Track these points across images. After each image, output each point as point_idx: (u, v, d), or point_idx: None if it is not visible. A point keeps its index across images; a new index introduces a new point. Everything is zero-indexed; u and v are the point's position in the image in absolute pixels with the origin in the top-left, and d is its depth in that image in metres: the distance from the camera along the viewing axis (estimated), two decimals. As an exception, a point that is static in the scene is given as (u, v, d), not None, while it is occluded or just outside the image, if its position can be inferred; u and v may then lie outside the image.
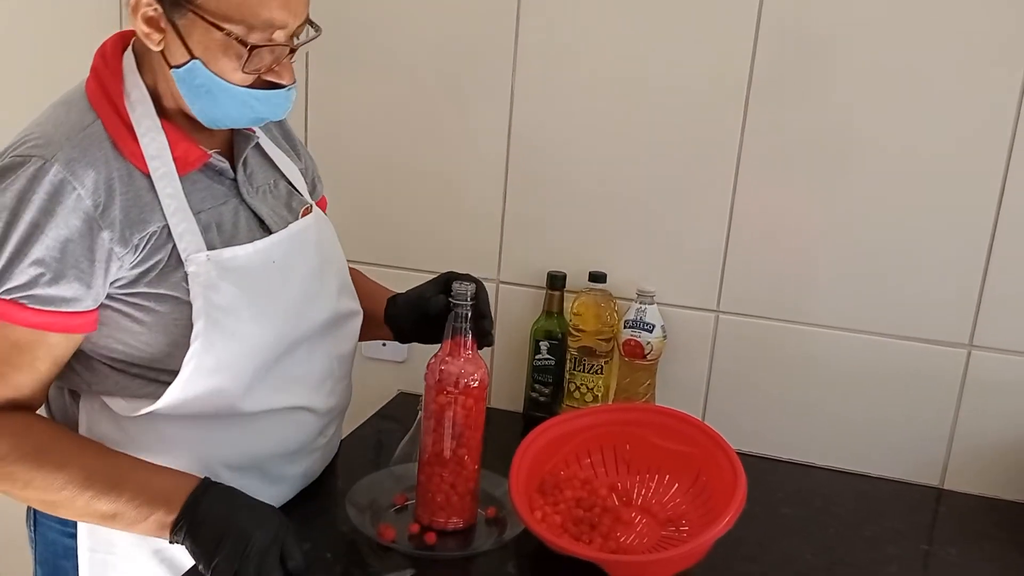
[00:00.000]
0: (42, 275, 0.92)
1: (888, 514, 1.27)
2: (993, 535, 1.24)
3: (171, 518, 0.95)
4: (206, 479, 0.98)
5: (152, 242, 0.97)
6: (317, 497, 1.16)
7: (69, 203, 0.92)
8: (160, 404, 0.99)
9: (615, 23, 1.39)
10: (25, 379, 0.97)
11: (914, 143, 1.30)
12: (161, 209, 0.98)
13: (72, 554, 1.07)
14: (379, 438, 1.42)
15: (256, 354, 1.03)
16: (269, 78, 0.99)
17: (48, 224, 0.92)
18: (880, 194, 1.32)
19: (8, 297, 0.92)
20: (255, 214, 1.07)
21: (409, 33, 1.47)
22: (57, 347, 0.96)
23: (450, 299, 1.08)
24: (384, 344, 1.54)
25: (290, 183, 1.15)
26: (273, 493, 1.09)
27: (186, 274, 0.98)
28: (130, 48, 1.02)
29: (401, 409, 1.53)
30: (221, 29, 0.93)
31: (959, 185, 1.29)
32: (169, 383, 0.99)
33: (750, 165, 1.37)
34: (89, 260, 0.94)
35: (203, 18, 0.93)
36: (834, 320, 1.37)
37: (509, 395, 1.52)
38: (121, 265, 0.96)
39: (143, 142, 0.98)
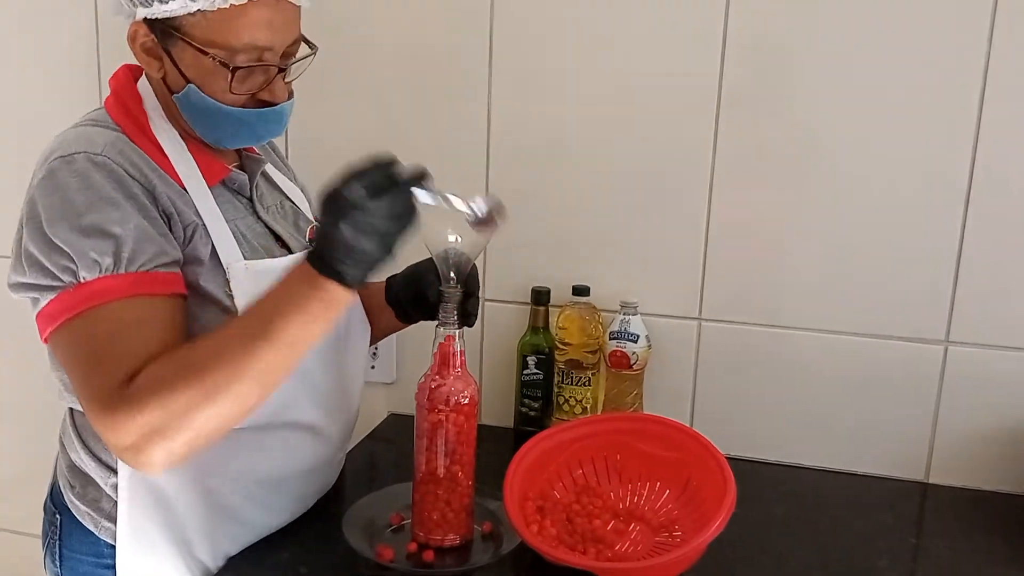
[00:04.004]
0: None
1: (876, 510, 1.29)
2: (978, 525, 1.26)
3: (326, 282, 0.88)
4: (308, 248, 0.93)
5: (195, 235, 0.99)
6: (314, 521, 1.17)
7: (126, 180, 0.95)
8: None
9: (586, 40, 1.41)
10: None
11: (882, 146, 1.33)
12: (197, 212, 1.00)
13: None
14: (372, 460, 1.42)
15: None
16: (263, 97, 1.02)
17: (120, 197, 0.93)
18: (852, 197, 1.35)
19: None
20: (272, 232, 1.10)
21: (385, 51, 1.49)
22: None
23: (439, 290, 1.08)
24: (373, 367, 1.56)
25: (294, 203, 1.19)
26: (291, 511, 1.14)
27: (227, 280, 1.00)
28: (144, 77, 1.06)
29: (393, 430, 1.54)
30: (206, 54, 0.96)
31: (928, 186, 1.32)
32: None
33: (724, 174, 1.40)
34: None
35: (191, 44, 0.96)
36: (814, 322, 1.40)
37: (499, 411, 1.53)
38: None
39: (172, 157, 1.01)
